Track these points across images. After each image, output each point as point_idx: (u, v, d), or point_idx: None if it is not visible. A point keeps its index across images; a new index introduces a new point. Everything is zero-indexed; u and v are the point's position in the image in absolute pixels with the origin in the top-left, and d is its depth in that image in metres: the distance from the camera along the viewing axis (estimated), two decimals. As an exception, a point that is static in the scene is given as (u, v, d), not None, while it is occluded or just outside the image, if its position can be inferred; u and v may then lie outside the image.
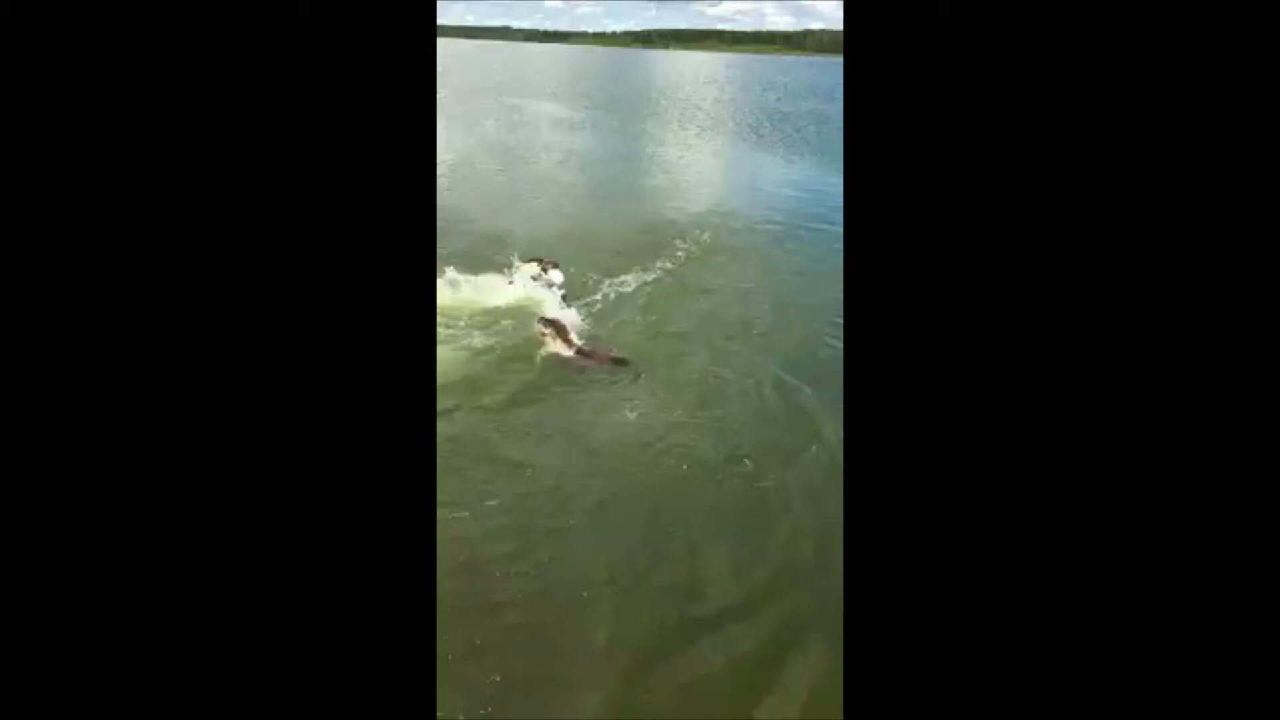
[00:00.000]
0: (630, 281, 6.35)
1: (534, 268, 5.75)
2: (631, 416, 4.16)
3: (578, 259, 6.83)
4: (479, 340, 4.90)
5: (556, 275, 5.87)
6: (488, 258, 6.70)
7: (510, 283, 5.68)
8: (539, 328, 4.80)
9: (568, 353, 4.68)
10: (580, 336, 4.94)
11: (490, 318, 5.28)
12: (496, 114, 20.96)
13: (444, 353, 4.60)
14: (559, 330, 4.77)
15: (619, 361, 4.74)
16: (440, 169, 12.07)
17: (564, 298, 5.59)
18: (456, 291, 5.50)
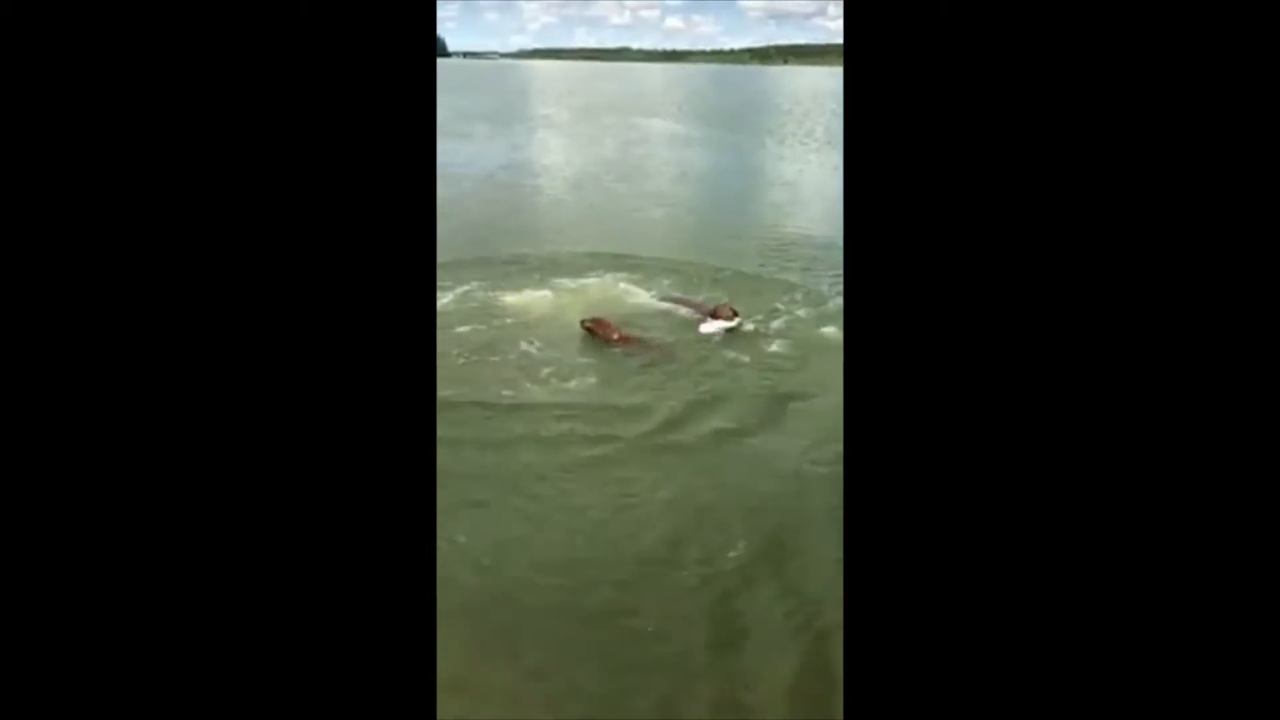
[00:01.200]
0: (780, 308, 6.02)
1: (727, 313, 5.47)
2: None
3: (699, 278, 6.83)
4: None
5: (744, 325, 5.57)
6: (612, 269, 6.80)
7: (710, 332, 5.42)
8: (587, 325, 5.28)
9: (614, 339, 5.17)
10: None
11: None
12: (615, 132, 21.48)
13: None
14: (601, 326, 5.23)
15: (663, 353, 5.07)
16: (559, 185, 12.49)
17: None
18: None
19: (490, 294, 6.32)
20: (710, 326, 5.16)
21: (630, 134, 21.16)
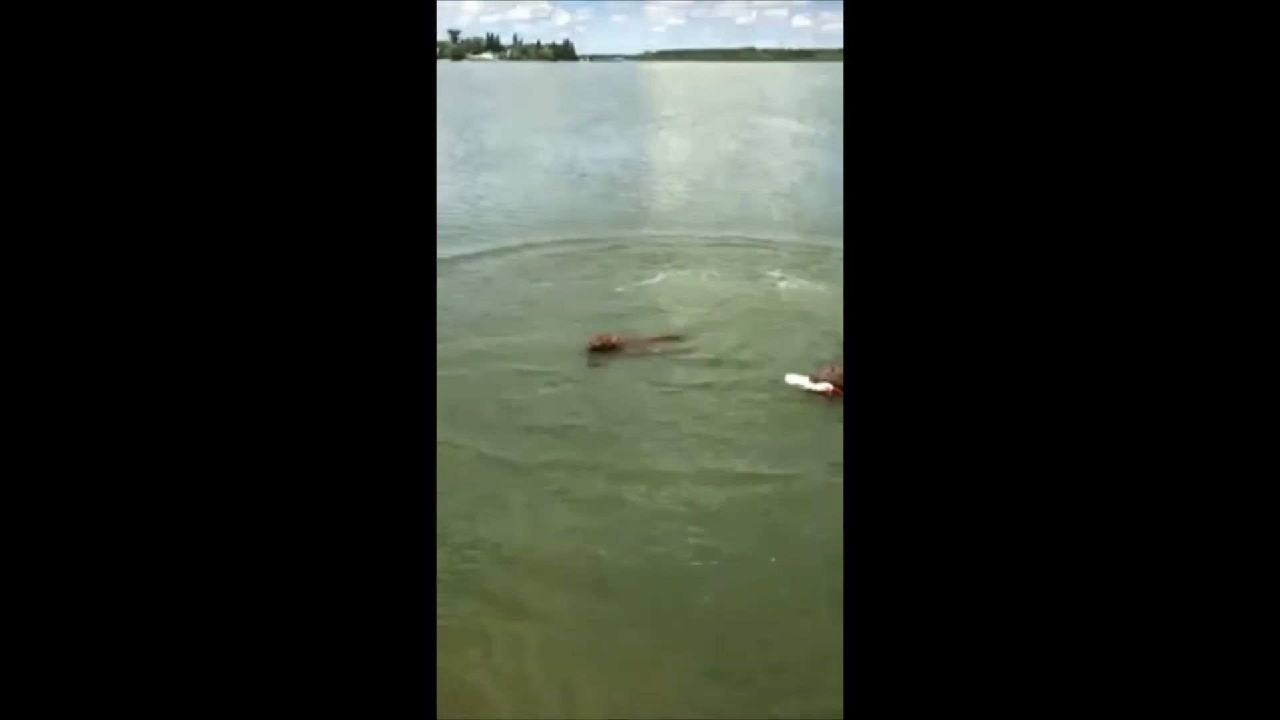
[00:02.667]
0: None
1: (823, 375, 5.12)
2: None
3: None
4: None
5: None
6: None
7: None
8: (594, 341, 5.23)
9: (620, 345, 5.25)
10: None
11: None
12: (737, 131, 21.46)
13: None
14: (608, 341, 5.24)
15: (670, 339, 5.31)
16: (680, 183, 12.69)
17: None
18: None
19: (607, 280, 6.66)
20: (795, 379, 4.79)
21: (752, 133, 21.07)
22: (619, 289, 6.64)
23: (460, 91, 43.26)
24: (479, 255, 7.62)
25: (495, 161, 14.56)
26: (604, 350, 5.11)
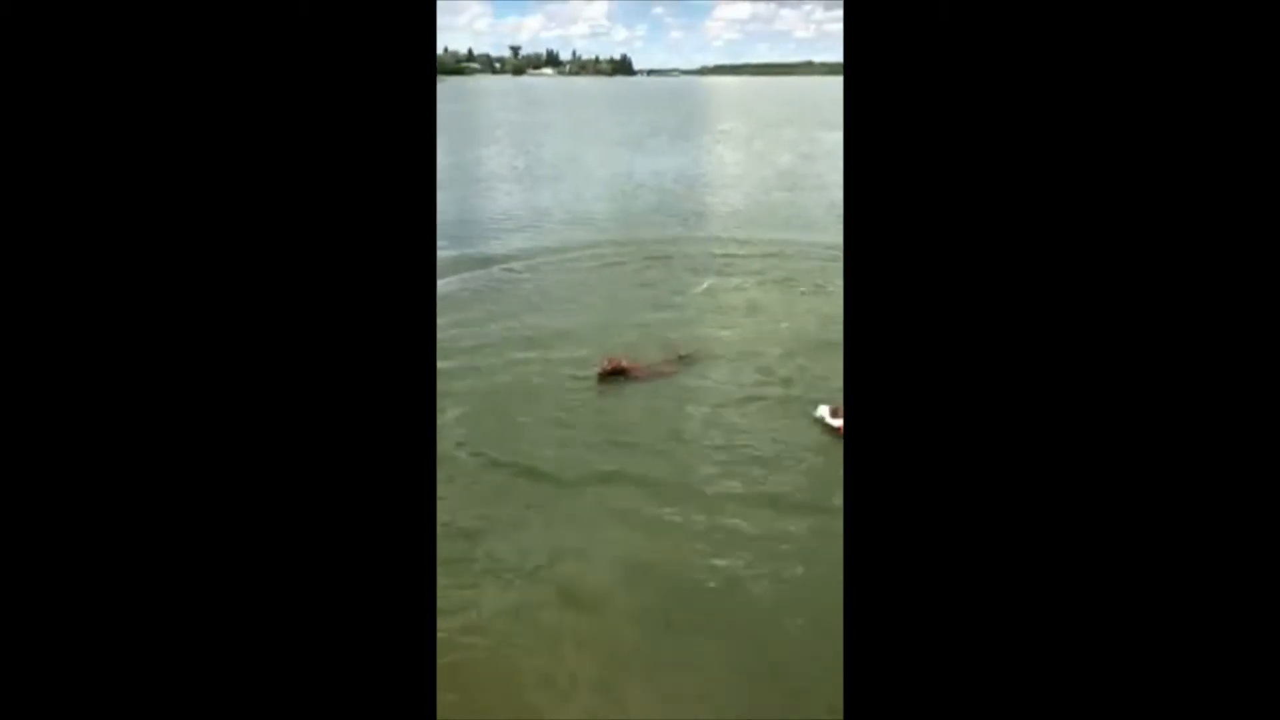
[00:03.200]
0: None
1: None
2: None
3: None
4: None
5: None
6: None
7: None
8: (604, 365, 4.96)
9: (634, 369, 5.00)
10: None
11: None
12: (794, 145, 21.39)
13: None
14: (618, 366, 4.97)
15: (681, 359, 5.17)
16: (736, 195, 12.75)
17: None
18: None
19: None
20: (823, 410, 4.53)
21: (810, 147, 20.98)
22: (671, 297, 6.74)
23: (521, 106, 44.28)
24: (533, 262, 7.85)
25: (554, 174, 14.90)
26: (614, 375, 4.83)
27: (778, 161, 17.41)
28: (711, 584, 3.03)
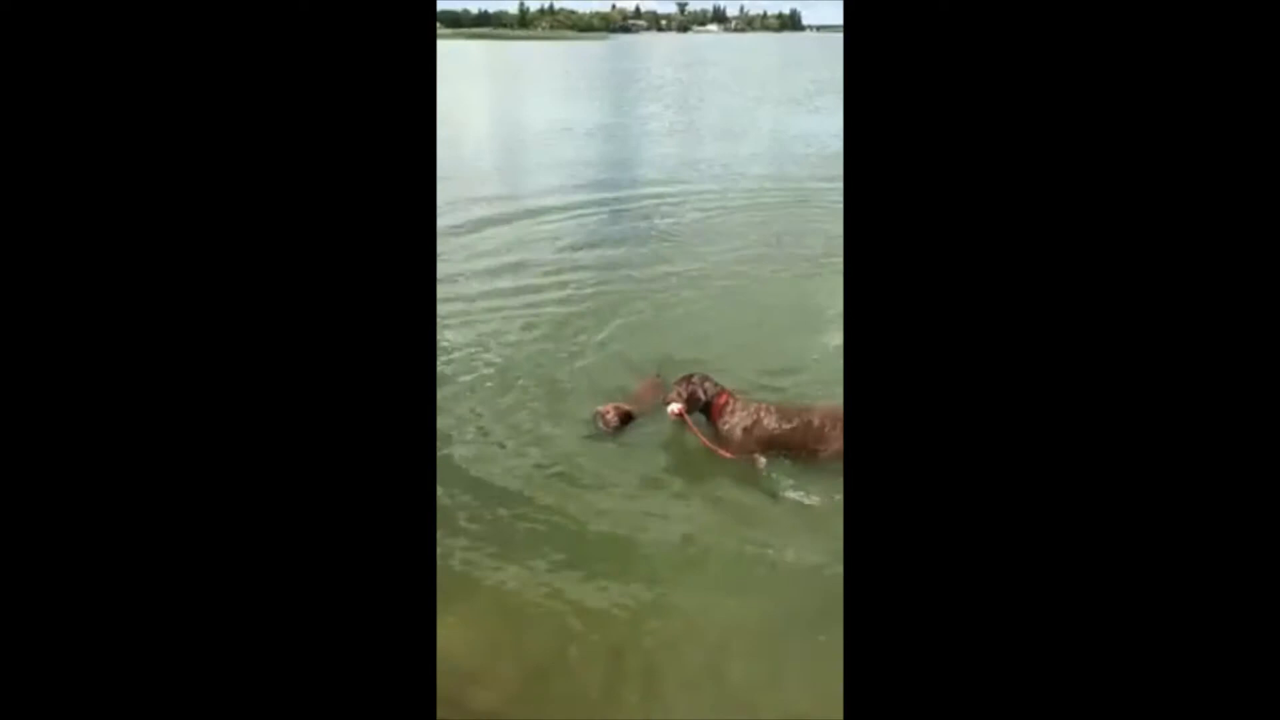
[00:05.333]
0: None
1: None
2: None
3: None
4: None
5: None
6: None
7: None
8: (609, 421, 3.78)
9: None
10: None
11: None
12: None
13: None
14: (624, 412, 3.83)
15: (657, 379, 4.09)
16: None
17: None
18: None
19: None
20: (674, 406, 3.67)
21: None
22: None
23: (686, 64, 43.90)
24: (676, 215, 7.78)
25: (713, 134, 14.67)
26: (626, 423, 3.78)
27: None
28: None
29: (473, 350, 4.55)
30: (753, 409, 3.54)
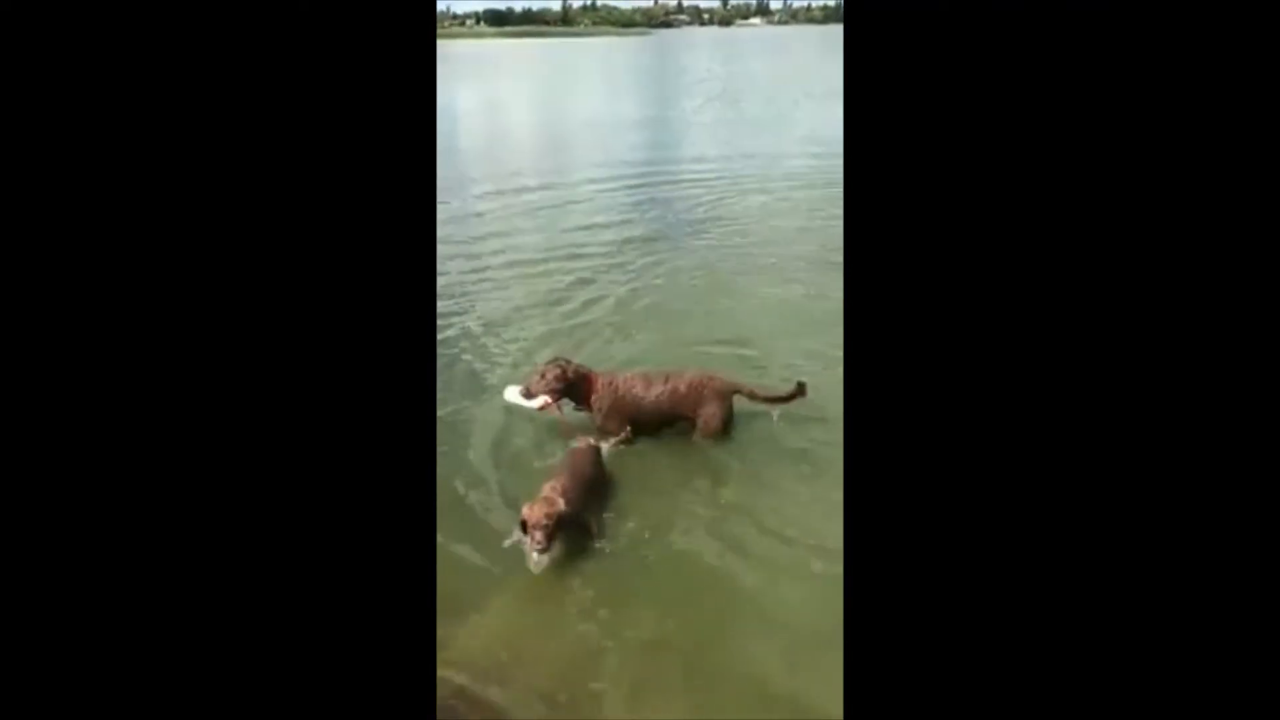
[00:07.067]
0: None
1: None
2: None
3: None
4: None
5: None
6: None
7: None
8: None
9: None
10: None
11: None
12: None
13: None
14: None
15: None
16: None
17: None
18: None
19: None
20: (512, 394, 3.55)
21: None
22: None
23: (725, 58, 43.66)
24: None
25: (753, 129, 14.76)
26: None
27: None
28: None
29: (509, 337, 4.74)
30: (616, 381, 3.42)
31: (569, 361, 3.45)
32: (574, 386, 3.39)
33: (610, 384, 3.41)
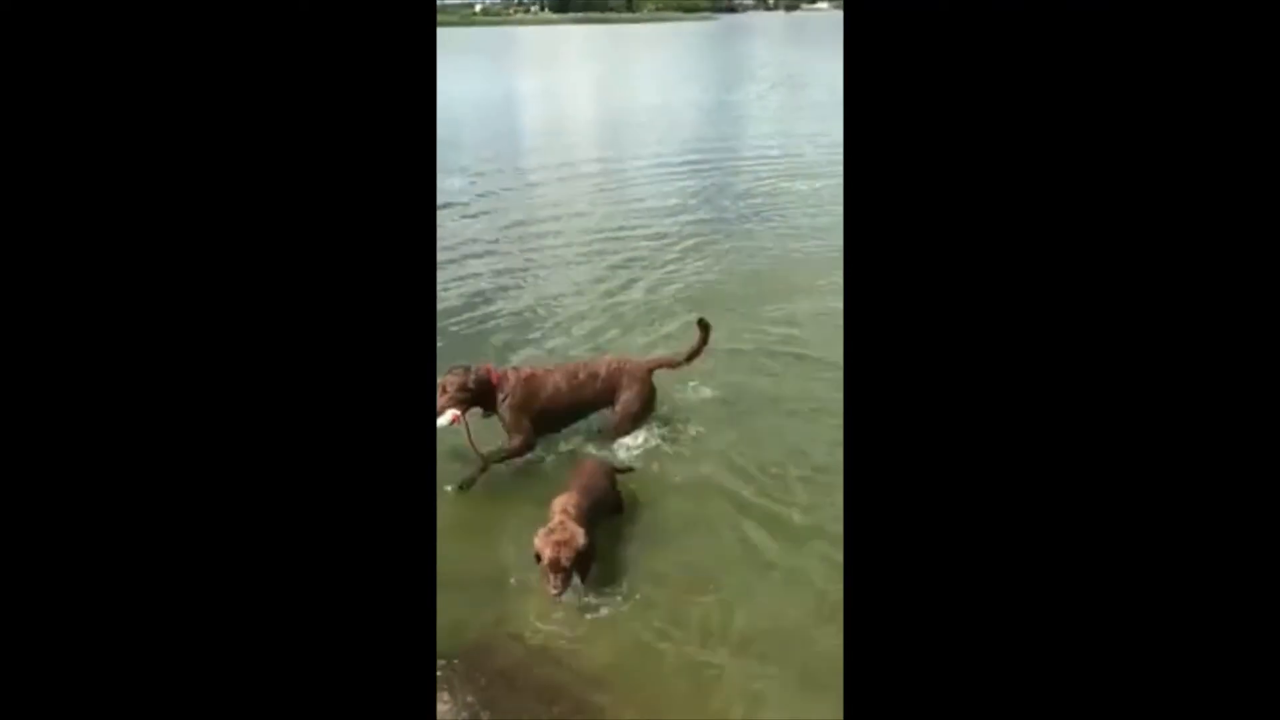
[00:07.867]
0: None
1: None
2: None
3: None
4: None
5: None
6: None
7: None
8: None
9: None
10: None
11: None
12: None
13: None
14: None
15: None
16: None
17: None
18: None
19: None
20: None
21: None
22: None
23: (790, 42, 42.91)
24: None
25: (817, 116, 14.56)
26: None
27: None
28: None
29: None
30: (532, 374, 3.21)
31: (468, 368, 3.10)
32: (480, 393, 3.09)
33: (523, 378, 3.19)
